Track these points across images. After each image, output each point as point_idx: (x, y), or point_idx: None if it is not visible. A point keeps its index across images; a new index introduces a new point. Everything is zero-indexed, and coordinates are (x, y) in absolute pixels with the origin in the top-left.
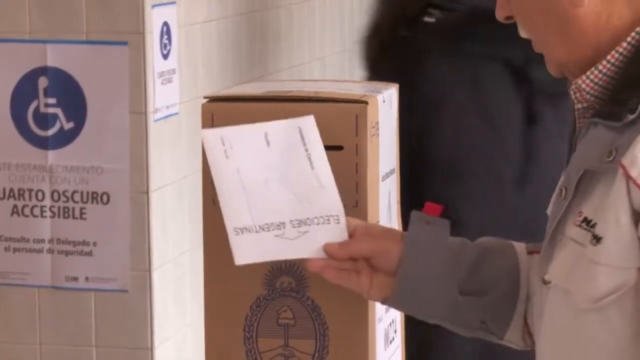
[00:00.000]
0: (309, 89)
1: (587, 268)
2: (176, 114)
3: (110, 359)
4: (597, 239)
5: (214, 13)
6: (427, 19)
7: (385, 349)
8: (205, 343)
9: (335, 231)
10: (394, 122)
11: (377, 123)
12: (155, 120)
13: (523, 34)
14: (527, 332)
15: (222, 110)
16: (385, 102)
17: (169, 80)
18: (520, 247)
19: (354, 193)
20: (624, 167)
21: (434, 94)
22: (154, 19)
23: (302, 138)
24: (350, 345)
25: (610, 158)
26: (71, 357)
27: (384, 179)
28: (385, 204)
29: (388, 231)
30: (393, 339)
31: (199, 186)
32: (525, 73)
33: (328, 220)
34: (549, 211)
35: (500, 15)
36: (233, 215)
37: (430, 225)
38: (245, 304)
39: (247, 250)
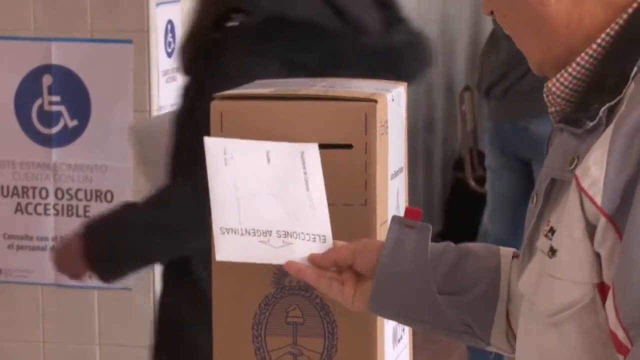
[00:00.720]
0: (318, 87)
1: (546, 281)
2: None
3: (113, 357)
4: (552, 252)
5: None
6: (230, 23)
7: (394, 348)
8: (214, 341)
9: (320, 250)
10: (403, 121)
11: (386, 122)
12: None
13: (505, 30)
14: (513, 336)
15: (231, 108)
16: (394, 100)
17: (173, 79)
18: (505, 250)
19: (362, 191)
20: (576, 178)
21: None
22: (159, 17)
23: (303, 162)
24: (359, 343)
25: (572, 166)
26: (74, 354)
27: (392, 177)
28: (394, 203)
29: (372, 240)
30: (401, 337)
31: None
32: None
33: (314, 238)
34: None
35: (485, 10)
36: (222, 216)
37: (411, 229)
38: (253, 303)
39: (229, 249)
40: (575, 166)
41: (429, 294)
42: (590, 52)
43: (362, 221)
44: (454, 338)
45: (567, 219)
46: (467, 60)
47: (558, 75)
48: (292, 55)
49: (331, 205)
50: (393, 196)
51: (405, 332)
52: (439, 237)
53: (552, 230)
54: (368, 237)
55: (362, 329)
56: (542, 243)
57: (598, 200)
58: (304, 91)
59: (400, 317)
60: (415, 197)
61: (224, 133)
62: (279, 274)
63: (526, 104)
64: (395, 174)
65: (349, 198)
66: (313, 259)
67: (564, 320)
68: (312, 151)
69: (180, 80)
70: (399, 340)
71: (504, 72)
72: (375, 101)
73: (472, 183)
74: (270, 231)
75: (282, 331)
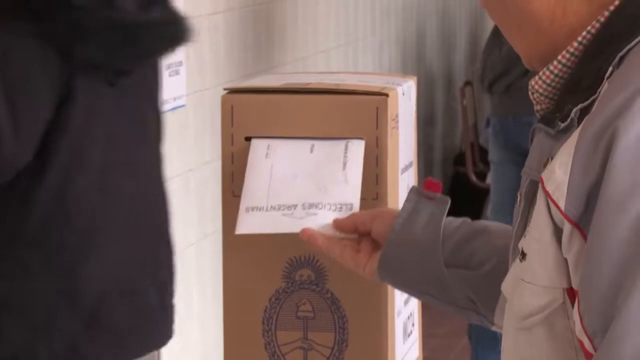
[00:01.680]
0: (329, 81)
1: (518, 284)
2: (183, 106)
3: None
4: (523, 255)
5: (220, 5)
6: None
7: (404, 342)
8: (224, 336)
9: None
10: (413, 115)
11: (397, 116)
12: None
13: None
14: None
15: (241, 102)
16: (405, 94)
17: (176, 72)
18: None
19: (374, 185)
20: (542, 182)
21: None
22: None
23: (346, 149)
24: (369, 338)
25: (546, 167)
26: None
27: (403, 171)
28: (404, 197)
29: (391, 208)
30: (411, 332)
31: (206, 178)
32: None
33: (340, 208)
34: None
35: (482, 4)
36: (250, 198)
37: (429, 200)
38: (264, 297)
39: (250, 223)
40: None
41: (435, 265)
42: (572, 50)
43: None
44: (458, 312)
45: (535, 222)
46: (467, 55)
47: (540, 73)
48: (34, 27)
49: None
50: (404, 190)
51: (415, 327)
52: None
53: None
54: None
55: (373, 324)
56: (521, 243)
57: (562, 205)
58: (314, 85)
59: (407, 287)
60: None
61: (234, 126)
62: (290, 268)
63: (529, 100)
64: (406, 168)
65: (361, 192)
66: (335, 222)
67: (534, 324)
68: (357, 146)
69: (182, 73)
70: (409, 335)
71: (507, 68)
72: (387, 95)
73: (473, 177)
74: (296, 205)
75: (292, 326)
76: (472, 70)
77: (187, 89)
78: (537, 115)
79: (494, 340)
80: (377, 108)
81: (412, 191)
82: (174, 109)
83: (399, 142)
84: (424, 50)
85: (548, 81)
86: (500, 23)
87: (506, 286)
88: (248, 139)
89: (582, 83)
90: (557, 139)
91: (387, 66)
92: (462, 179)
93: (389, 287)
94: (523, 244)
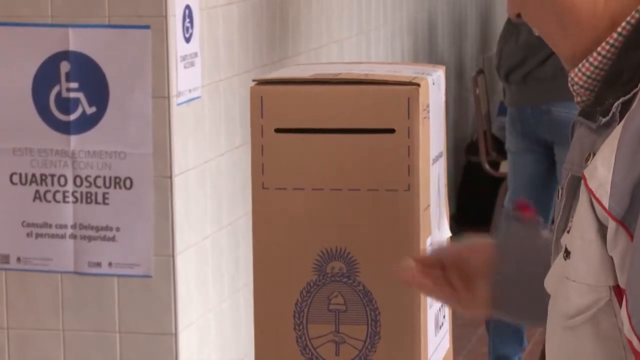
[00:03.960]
0: (358, 71)
1: (562, 282)
2: (199, 97)
3: (133, 345)
4: (567, 253)
5: None
6: None
7: (435, 335)
8: (255, 330)
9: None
10: (442, 105)
11: (427, 106)
12: (178, 104)
13: (535, 31)
14: None
15: (271, 93)
16: (435, 84)
17: (192, 64)
18: None
19: (405, 176)
20: (584, 179)
21: None
22: (177, 2)
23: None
24: (402, 330)
25: (588, 163)
26: (94, 343)
27: (433, 162)
28: (435, 188)
29: (478, 239)
30: (442, 324)
31: (221, 170)
32: None
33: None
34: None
35: (511, 12)
36: None
37: (521, 223)
38: (295, 290)
39: None
40: (590, 163)
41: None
42: (611, 41)
43: (405, 206)
44: None
45: (579, 219)
46: (478, 44)
47: (580, 65)
48: None
49: (374, 190)
50: (434, 181)
51: (446, 319)
52: (452, 220)
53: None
54: (411, 222)
55: (405, 317)
56: (564, 239)
57: (605, 202)
58: (344, 75)
59: (523, 318)
60: None
61: (264, 118)
62: (321, 260)
63: (547, 89)
64: (436, 159)
65: (392, 183)
66: (418, 259)
67: (580, 324)
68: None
69: (198, 65)
70: (440, 327)
71: (524, 57)
72: (418, 85)
73: (487, 166)
74: None
75: (324, 319)
76: (484, 58)
77: (203, 81)
78: (578, 107)
79: (511, 331)
80: (409, 98)
81: (505, 214)
82: (189, 100)
83: (430, 132)
84: (435, 39)
85: (588, 73)
86: (541, 28)
87: (549, 283)
88: (278, 130)
89: (622, 75)
90: (599, 134)
91: (399, 56)
92: (475, 168)
93: None
94: (566, 240)
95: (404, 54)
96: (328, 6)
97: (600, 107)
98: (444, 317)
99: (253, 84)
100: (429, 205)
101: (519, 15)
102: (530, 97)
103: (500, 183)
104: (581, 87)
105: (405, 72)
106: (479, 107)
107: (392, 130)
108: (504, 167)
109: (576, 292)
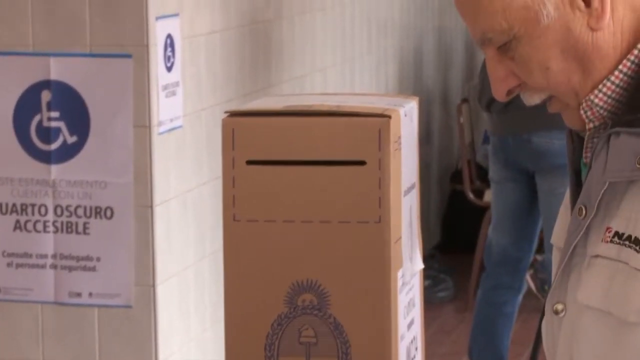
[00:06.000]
0: (330, 102)
1: (632, 281)
2: (180, 126)
3: None
4: None
5: (217, 25)
6: None
7: None
8: None
9: None
10: (415, 136)
11: (399, 137)
12: (160, 134)
13: (535, 99)
14: None
15: (243, 124)
16: (407, 115)
17: (173, 93)
18: None
19: (377, 209)
20: None
21: None
22: (158, 31)
23: None
24: None
25: None
26: None
27: (405, 193)
28: (407, 219)
29: None
30: (414, 356)
31: (204, 199)
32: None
33: None
34: (553, 239)
35: (503, 90)
36: None
37: None
38: (266, 323)
39: None
40: None
41: None
42: (632, 57)
43: (376, 239)
44: None
45: None
46: (464, 72)
47: (600, 86)
48: None
49: (345, 222)
50: (406, 213)
51: (418, 351)
52: (436, 249)
53: (617, 235)
54: (382, 254)
55: (377, 349)
56: (606, 250)
57: None
58: (316, 107)
59: None
60: None
61: (235, 150)
62: (292, 293)
63: (527, 119)
64: (408, 190)
65: (363, 215)
66: None
67: None
68: None
69: (179, 94)
70: (412, 359)
71: None
72: (389, 116)
73: (471, 195)
74: None
75: (295, 351)
76: (469, 87)
77: (185, 110)
78: (584, 134)
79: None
80: (380, 130)
81: None
82: (171, 129)
83: (402, 164)
84: (420, 67)
85: (609, 93)
86: (558, 77)
87: (594, 296)
88: (250, 162)
89: None
90: None
91: (384, 84)
92: (460, 197)
93: (392, 312)
94: (607, 248)
95: (388, 83)
96: (312, 34)
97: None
98: (416, 349)
99: (225, 115)
100: (400, 237)
101: (509, 93)
102: (512, 126)
103: (484, 212)
104: (601, 107)
105: (378, 103)
106: (462, 136)
107: (363, 162)
108: (488, 196)
109: None
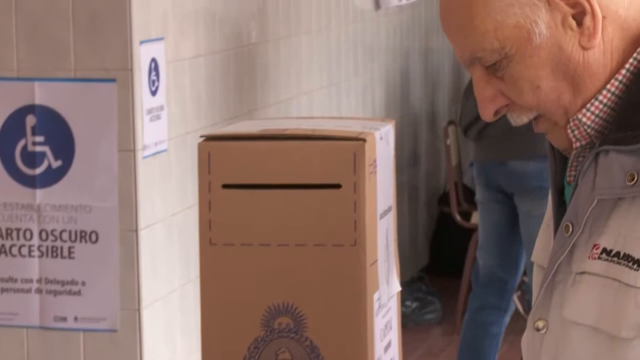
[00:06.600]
0: (306, 126)
1: (623, 297)
2: (165, 150)
3: None
4: (638, 264)
5: (202, 48)
6: None
7: None
8: None
9: None
10: (391, 159)
11: (374, 160)
12: (144, 157)
13: (523, 119)
14: None
15: (218, 149)
16: (383, 139)
17: (158, 117)
18: None
19: (352, 232)
20: None
21: None
22: (142, 55)
23: None
24: None
25: (632, 182)
26: None
27: (381, 216)
28: (384, 242)
29: None
30: None
31: (189, 223)
32: None
33: None
34: (534, 257)
35: (491, 110)
36: None
37: None
38: (242, 346)
39: None
40: (636, 181)
41: None
42: (620, 77)
43: (352, 262)
44: None
45: None
46: (450, 94)
47: (588, 105)
48: None
49: (321, 245)
50: (382, 236)
51: None
52: (424, 271)
53: (605, 251)
54: (358, 277)
55: None
56: (594, 267)
57: None
58: (291, 131)
59: None
60: (401, 232)
61: (211, 174)
62: (268, 316)
63: (499, 147)
64: (384, 213)
65: (339, 238)
66: None
67: None
68: None
69: (164, 118)
70: None
71: (478, 114)
72: (364, 140)
73: (458, 217)
74: None
75: None
76: (456, 109)
77: (169, 134)
78: (567, 153)
79: None
80: (355, 153)
81: None
82: (156, 153)
83: (377, 187)
84: (407, 90)
85: (597, 112)
86: (547, 96)
87: (584, 313)
88: (225, 186)
89: None
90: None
91: (370, 107)
92: (448, 219)
93: (368, 334)
94: (632, 252)
95: (375, 105)
96: (297, 57)
97: (632, 132)
98: None
99: (202, 139)
100: (376, 260)
101: (497, 113)
102: (486, 152)
103: (472, 233)
104: (588, 127)
105: (354, 126)
106: (449, 158)
107: (338, 186)
108: (475, 218)
109: None
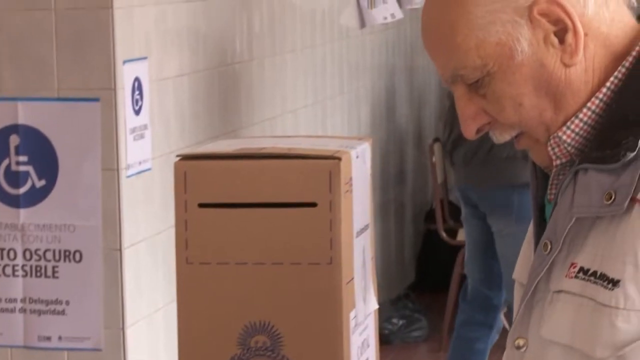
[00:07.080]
0: (282, 145)
1: (598, 317)
2: (149, 169)
3: None
4: (613, 283)
5: (185, 67)
6: None
7: None
8: None
9: None
10: (368, 177)
11: (350, 179)
12: (128, 177)
13: (505, 137)
14: None
15: (195, 168)
16: (359, 157)
17: (141, 136)
18: None
19: (328, 250)
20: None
21: None
22: (126, 74)
23: None
24: None
25: (610, 201)
26: None
27: (358, 235)
28: (360, 261)
29: None
30: None
31: (172, 242)
32: None
33: None
34: (515, 275)
35: (473, 128)
36: None
37: None
38: None
39: None
40: (614, 200)
41: None
42: (600, 95)
43: (328, 280)
44: None
45: (630, 247)
46: (436, 111)
47: (568, 123)
48: None
49: (297, 264)
50: (359, 254)
51: None
52: (411, 289)
53: (582, 270)
54: (334, 295)
55: None
56: (571, 285)
57: None
58: (267, 149)
59: None
60: (387, 249)
61: (187, 193)
62: (245, 334)
63: (472, 175)
64: (361, 231)
65: (315, 257)
66: None
67: (628, 353)
68: None
69: (148, 137)
70: None
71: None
72: (339, 159)
73: (444, 234)
74: None
75: None
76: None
77: (153, 153)
78: (549, 171)
79: None
80: (330, 172)
81: None
82: (139, 172)
83: (353, 205)
84: (393, 107)
85: (577, 130)
86: (530, 113)
87: (560, 332)
88: (202, 205)
89: (628, 118)
90: (620, 172)
91: (356, 125)
92: (434, 236)
93: (345, 353)
94: (608, 271)
95: (361, 123)
96: (282, 76)
97: (616, 149)
98: None
99: (178, 159)
100: (352, 278)
101: (479, 131)
102: (459, 179)
103: (458, 251)
104: (568, 144)
105: (330, 145)
106: (435, 175)
107: (314, 204)
108: (461, 235)
109: (624, 320)
